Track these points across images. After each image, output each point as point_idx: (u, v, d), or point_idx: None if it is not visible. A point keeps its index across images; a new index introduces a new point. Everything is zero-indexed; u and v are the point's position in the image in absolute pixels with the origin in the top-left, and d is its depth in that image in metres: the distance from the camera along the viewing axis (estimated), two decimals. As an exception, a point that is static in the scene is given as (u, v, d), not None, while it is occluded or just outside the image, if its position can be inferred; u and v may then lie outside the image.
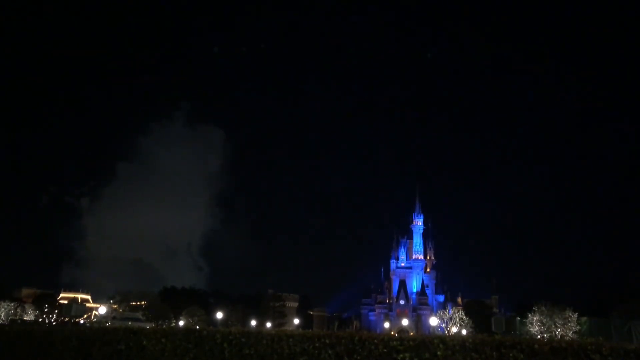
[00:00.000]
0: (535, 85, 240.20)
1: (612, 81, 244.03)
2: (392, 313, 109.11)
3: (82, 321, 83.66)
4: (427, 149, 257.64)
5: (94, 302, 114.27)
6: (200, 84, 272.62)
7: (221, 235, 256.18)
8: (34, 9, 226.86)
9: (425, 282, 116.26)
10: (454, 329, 72.51)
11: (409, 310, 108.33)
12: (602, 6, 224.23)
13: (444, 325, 75.82)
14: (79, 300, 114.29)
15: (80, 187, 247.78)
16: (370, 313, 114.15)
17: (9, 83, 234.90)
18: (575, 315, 49.56)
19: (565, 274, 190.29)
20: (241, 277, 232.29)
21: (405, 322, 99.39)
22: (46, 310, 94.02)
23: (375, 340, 11.15)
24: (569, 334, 47.46)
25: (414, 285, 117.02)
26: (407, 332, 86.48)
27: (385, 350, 10.92)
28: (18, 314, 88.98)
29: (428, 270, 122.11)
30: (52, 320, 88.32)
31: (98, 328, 16.63)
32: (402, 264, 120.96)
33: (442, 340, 10.77)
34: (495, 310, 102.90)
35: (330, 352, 11.28)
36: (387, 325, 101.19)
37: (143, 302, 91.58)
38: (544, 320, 50.19)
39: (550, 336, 46.22)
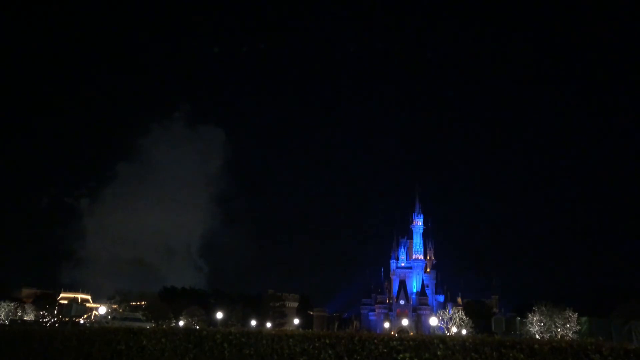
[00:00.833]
0: (535, 85, 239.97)
1: (613, 81, 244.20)
2: (392, 313, 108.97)
3: (82, 321, 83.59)
4: (427, 149, 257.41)
5: (94, 302, 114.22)
6: (200, 84, 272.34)
7: (221, 235, 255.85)
8: (34, 9, 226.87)
9: (425, 282, 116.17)
10: (454, 329, 72.47)
11: (409, 310, 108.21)
12: (602, 6, 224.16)
13: (444, 325, 75.79)
14: (79, 301, 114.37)
15: (80, 188, 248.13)
16: (370, 313, 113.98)
17: (8, 83, 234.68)
18: (575, 315, 49.63)
19: (566, 274, 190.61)
20: (241, 277, 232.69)
21: (405, 322, 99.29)
22: (46, 310, 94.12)
23: (375, 340, 11.16)
24: (569, 334, 47.51)
25: (414, 286, 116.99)
26: (407, 332, 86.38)
27: (385, 350, 10.94)
28: (18, 314, 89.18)
29: (428, 270, 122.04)
30: (52, 321, 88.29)
31: (98, 328, 16.61)
32: (402, 264, 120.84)
33: (442, 340, 10.78)
34: (495, 310, 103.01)
35: (330, 352, 11.29)
36: (387, 325, 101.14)
37: (143, 302, 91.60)
38: (544, 321, 50.27)
39: (550, 336, 46.24)
